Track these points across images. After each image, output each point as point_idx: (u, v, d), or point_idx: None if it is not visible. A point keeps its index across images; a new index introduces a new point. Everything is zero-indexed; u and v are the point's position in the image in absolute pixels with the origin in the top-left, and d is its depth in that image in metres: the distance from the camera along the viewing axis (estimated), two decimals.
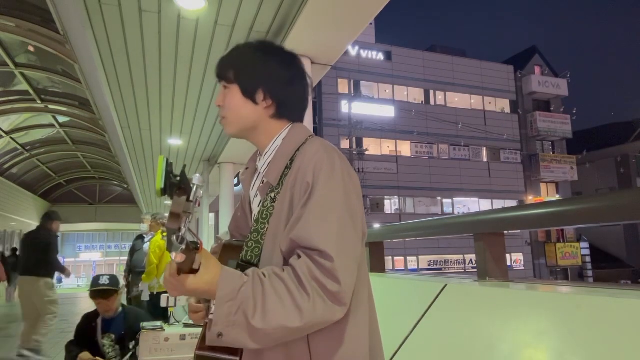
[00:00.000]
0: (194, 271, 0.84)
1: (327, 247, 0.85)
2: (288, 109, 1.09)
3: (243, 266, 0.96)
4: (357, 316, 0.95)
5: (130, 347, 2.95)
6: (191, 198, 0.79)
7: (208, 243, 9.30)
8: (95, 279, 3.06)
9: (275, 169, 1.03)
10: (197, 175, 0.82)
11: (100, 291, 2.93)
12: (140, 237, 6.46)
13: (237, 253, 1.01)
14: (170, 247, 0.79)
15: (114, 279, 3.04)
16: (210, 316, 0.85)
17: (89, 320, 3.01)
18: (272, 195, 1.01)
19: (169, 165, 0.78)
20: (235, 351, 0.93)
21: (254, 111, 1.07)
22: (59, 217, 5.67)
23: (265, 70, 1.07)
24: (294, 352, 0.91)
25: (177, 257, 0.79)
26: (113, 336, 2.93)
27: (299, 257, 0.87)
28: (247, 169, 1.17)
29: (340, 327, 0.92)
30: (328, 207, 0.90)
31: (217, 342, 0.83)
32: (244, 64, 1.08)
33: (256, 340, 0.83)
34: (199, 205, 0.83)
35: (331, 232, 0.88)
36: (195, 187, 0.80)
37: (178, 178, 0.78)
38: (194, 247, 0.83)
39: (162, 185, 0.77)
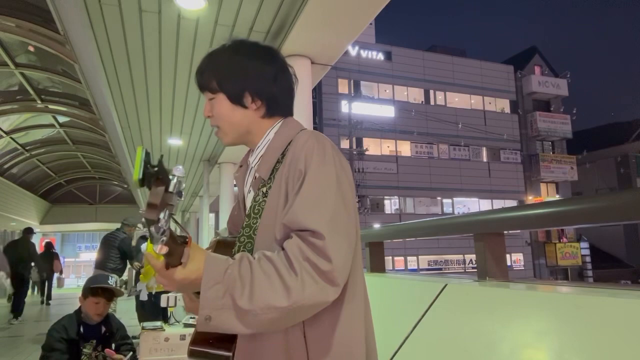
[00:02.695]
0: (183, 264, 0.84)
1: (319, 226, 0.85)
2: (278, 105, 1.09)
3: None
4: (352, 306, 0.94)
5: (112, 347, 2.73)
6: (170, 189, 0.77)
7: (208, 242, 9.27)
8: (101, 277, 2.85)
9: (266, 163, 1.02)
10: (179, 167, 0.81)
11: (106, 290, 2.73)
12: (143, 237, 6.57)
13: (230, 249, 1.00)
14: (151, 239, 0.77)
15: (116, 282, 2.89)
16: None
17: (76, 326, 2.66)
18: (264, 190, 1.00)
19: (147, 155, 0.76)
20: (229, 346, 0.93)
21: (245, 115, 1.06)
22: (134, 224, 6.18)
23: (248, 72, 1.05)
24: (290, 343, 0.90)
25: (160, 249, 0.77)
26: (94, 342, 2.69)
27: (291, 238, 0.87)
28: (240, 166, 1.17)
29: (336, 315, 0.91)
30: (320, 191, 0.90)
31: (207, 327, 0.82)
32: (225, 70, 1.06)
33: (245, 322, 0.81)
34: (182, 197, 0.81)
35: (323, 213, 0.87)
36: (175, 177, 0.78)
37: (156, 168, 0.76)
38: (182, 241, 0.82)
39: (140, 176, 0.75)
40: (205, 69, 1.08)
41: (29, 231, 9.12)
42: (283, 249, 0.87)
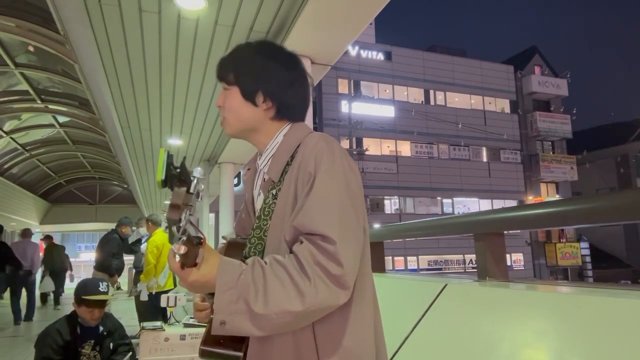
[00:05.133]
0: (197, 265, 0.85)
1: (329, 231, 0.86)
2: (289, 110, 1.09)
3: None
4: (361, 305, 0.95)
5: (111, 346, 2.77)
6: (191, 190, 0.80)
7: (207, 241, 9.26)
8: (92, 285, 2.76)
9: (276, 165, 1.03)
10: (199, 168, 0.83)
11: (100, 300, 2.72)
12: (138, 241, 6.62)
13: (240, 250, 1.02)
14: (171, 239, 0.80)
15: (107, 286, 2.85)
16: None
17: (71, 330, 2.68)
18: (274, 192, 1.01)
19: (169, 157, 0.79)
20: (239, 346, 0.94)
21: (254, 113, 1.07)
22: (128, 223, 6.18)
23: (266, 73, 1.07)
24: (300, 343, 0.91)
25: (179, 248, 0.79)
26: (92, 342, 2.72)
27: (301, 242, 0.88)
28: (248, 169, 1.18)
29: (345, 314, 0.92)
30: (329, 194, 0.91)
31: (221, 331, 0.84)
32: (244, 66, 1.08)
33: (259, 326, 0.83)
34: (200, 198, 0.83)
35: (333, 217, 0.88)
36: (195, 179, 0.81)
37: (178, 170, 0.79)
38: (197, 242, 0.83)
39: (163, 177, 0.78)
40: (227, 61, 1.10)
41: (51, 238, 10.83)
42: (292, 251, 0.89)
